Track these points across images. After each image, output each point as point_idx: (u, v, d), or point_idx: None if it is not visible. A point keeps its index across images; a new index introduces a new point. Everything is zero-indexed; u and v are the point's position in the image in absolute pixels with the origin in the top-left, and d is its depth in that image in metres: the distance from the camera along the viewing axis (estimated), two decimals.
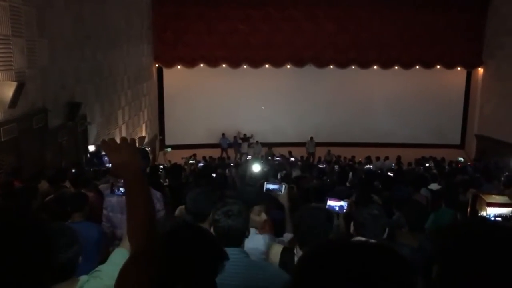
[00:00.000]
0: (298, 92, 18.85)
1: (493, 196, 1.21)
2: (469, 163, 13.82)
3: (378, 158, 15.87)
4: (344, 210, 3.60)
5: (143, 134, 14.59)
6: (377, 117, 19.07)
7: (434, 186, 6.89)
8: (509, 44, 16.22)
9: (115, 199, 3.60)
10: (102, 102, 10.46)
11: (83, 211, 3.95)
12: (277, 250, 2.71)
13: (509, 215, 1.17)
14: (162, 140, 18.24)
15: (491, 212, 1.21)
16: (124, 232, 3.44)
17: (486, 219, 1.11)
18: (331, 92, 18.97)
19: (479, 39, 17.84)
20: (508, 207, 1.17)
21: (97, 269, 2.08)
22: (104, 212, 3.73)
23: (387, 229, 2.51)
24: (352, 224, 2.60)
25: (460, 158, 14.21)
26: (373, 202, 2.62)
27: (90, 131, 9.69)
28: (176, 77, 18.03)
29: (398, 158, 15.34)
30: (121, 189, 3.22)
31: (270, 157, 15.03)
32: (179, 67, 17.49)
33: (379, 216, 2.51)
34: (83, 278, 2.00)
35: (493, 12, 17.41)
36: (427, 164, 12.93)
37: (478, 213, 1.21)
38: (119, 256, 2.17)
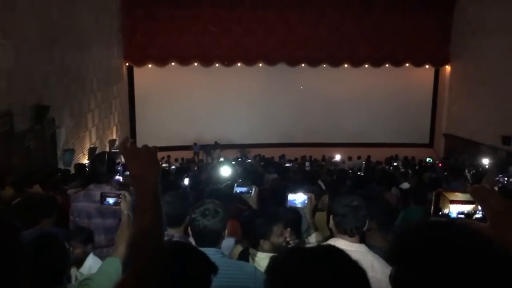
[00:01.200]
0: (270, 92, 18.97)
1: (456, 193, 1.24)
2: (437, 162, 14.10)
3: (350, 158, 16.07)
4: (305, 204, 3.51)
5: (114, 137, 14.38)
6: (349, 117, 19.26)
7: (404, 185, 7.02)
8: (474, 45, 16.65)
9: (82, 204, 3.53)
10: (71, 105, 10.26)
11: (53, 216, 3.85)
12: (236, 251, 2.82)
13: (471, 212, 1.20)
14: (134, 143, 17.95)
15: (454, 209, 1.23)
16: (106, 240, 3.39)
17: (439, 221, 1.13)
18: (303, 92, 19.13)
19: (447, 39, 18.29)
20: (470, 204, 1.20)
21: (87, 276, 2.04)
22: (71, 218, 3.65)
23: (367, 222, 2.47)
24: (331, 217, 2.52)
25: (429, 159, 14.49)
26: (352, 194, 2.56)
27: (58, 135, 9.49)
28: (147, 78, 17.84)
29: (368, 157, 15.54)
30: (110, 200, 3.14)
31: (240, 159, 14.96)
32: (150, 66, 17.35)
33: (359, 207, 2.47)
34: (73, 285, 1.96)
35: (458, 13, 17.86)
36: (395, 164, 13.14)
37: (441, 211, 1.23)
38: (111, 266, 2.13)
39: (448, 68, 18.63)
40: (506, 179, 5.10)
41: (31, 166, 7.75)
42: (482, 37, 16.01)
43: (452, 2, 17.87)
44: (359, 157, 15.97)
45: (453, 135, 18.05)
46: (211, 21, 17.12)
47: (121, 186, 5.14)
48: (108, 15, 14.18)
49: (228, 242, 2.88)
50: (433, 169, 10.54)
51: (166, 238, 2.94)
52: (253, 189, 3.85)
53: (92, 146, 11.41)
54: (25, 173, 6.56)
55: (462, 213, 1.27)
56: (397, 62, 18.39)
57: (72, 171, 8.04)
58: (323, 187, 6.48)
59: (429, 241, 0.99)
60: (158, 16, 16.70)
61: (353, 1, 17.41)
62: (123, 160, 2.29)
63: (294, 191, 3.57)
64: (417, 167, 12.40)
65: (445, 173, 7.99)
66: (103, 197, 3.09)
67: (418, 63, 18.56)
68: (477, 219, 1.23)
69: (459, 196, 1.30)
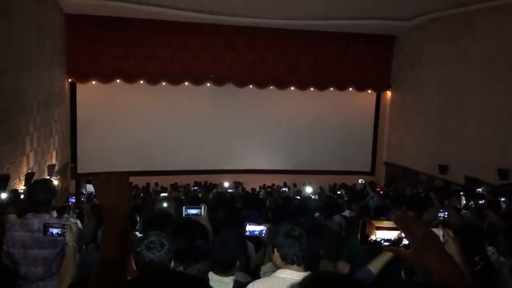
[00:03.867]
0: (218, 116, 19.00)
1: (382, 221, 1.31)
2: (378, 189, 14.53)
3: (295, 185, 16.25)
4: (263, 235, 3.64)
5: (53, 162, 13.79)
6: (294, 143, 19.61)
7: (347, 212, 7.15)
8: (411, 78, 17.60)
9: (18, 233, 3.32)
10: (8, 128, 9.75)
11: None
12: None
13: (396, 239, 1.27)
14: (74, 168, 17.37)
15: (380, 235, 1.29)
16: (43, 271, 3.19)
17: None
18: (250, 117, 19.30)
19: (387, 70, 19.20)
20: (395, 230, 1.26)
21: None
22: (4, 247, 3.42)
23: (318, 251, 2.50)
24: (275, 250, 2.53)
25: (361, 180, 14.83)
26: (292, 223, 2.58)
27: None
28: (91, 98, 17.44)
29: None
30: (54, 230, 2.97)
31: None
32: (94, 83, 17.03)
33: (302, 235, 2.49)
34: None
35: (398, 48, 18.84)
36: (338, 192, 13.40)
37: (368, 238, 1.29)
38: None
39: (388, 96, 19.46)
40: (446, 213, 5.24)
41: None
42: (420, 69, 16.94)
43: (392, 38, 18.83)
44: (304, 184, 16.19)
45: (394, 163, 18.75)
46: (158, 46, 17.04)
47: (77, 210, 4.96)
48: (50, 35, 13.76)
49: None
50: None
51: None
52: (202, 208, 3.95)
53: (29, 171, 10.86)
54: None
55: (388, 240, 1.33)
56: (341, 86, 19.04)
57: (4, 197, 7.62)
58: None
59: None
60: (102, 37, 16.43)
61: (297, 34, 17.93)
62: (88, 189, 2.19)
63: (252, 221, 3.71)
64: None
65: (385, 202, 8.21)
66: (46, 227, 2.95)
67: (361, 88, 19.29)
68: (404, 246, 1.29)
69: (385, 223, 1.36)
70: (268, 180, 16.92)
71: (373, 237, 1.34)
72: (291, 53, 18.22)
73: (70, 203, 7.08)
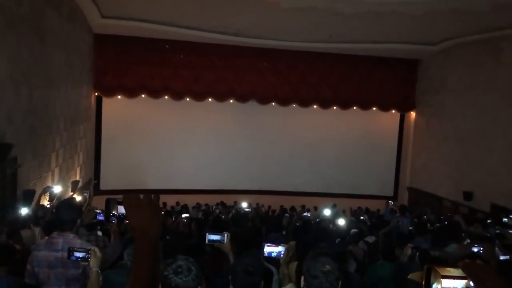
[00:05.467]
0: (239, 135, 19.12)
1: (447, 268, 1.24)
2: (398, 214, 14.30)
3: (315, 208, 16.08)
4: (282, 256, 3.61)
5: (77, 178, 13.99)
6: (316, 166, 19.47)
7: (370, 238, 7.03)
8: (435, 103, 17.40)
9: (43, 253, 3.35)
10: (35, 143, 9.96)
11: (7, 265, 3.65)
12: None
13: None
14: (97, 185, 17.57)
15: (446, 285, 1.22)
16: None
17: None
18: (270, 137, 19.31)
19: (412, 95, 19.01)
20: (461, 279, 1.19)
21: None
22: (28, 267, 3.45)
23: (340, 282, 2.48)
24: (302, 278, 2.55)
25: (391, 202, 14.63)
26: (324, 255, 2.55)
27: (20, 174, 9.15)
28: (115, 118, 17.70)
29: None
30: (79, 255, 2.99)
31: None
32: (119, 98, 17.34)
33: (331, 272, 2.48)
34: None
35: (422, 71, 18.71)
36: (362, 218, 13.21)
37: (432, 286, 1.23)
38: None
39: (412, 118, 19.24)
40: (480, 248, 4.98)
41: None
42: (444, 94, 16.76)
43: (416, 61, 18.73)
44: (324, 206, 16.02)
45: (417, 189, 18.43)
46: (183, 66, 17.33)
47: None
48: (79, 54, 14.11)
49: None
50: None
51: None
52: (225, 235, 3.78)
53: (28, 188, 10.96)
54: None
55: None
56: (364, 105, 18.92)
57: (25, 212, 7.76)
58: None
59: None
60: (129, 58, 16.79)
61: (320, 56, 18.00)
62: (119, 210, 2.19)
63: (270, 241, 3.69)
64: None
65: (410, 228, 8.06)
66: (71, 251, 2.97)
67: (384, 107, 19.16)
68: None
69: (451, 271, 1.29)
70: (286, 202, 16.73)
71: (438, 286, 1.28)
72: (314, 74, 18.27)
73: (98, 220, 7.14)
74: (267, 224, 8.21)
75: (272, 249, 3.62)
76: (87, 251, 2.97)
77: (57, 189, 10.83)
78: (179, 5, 13.63)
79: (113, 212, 2.25)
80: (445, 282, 1.27)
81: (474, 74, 15.16)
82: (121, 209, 2.17)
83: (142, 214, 1.32)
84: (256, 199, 17.12)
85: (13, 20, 8.46)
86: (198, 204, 15.74)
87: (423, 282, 1.28)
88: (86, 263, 2.96)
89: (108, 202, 2.25)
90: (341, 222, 9.17)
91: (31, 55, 9.54)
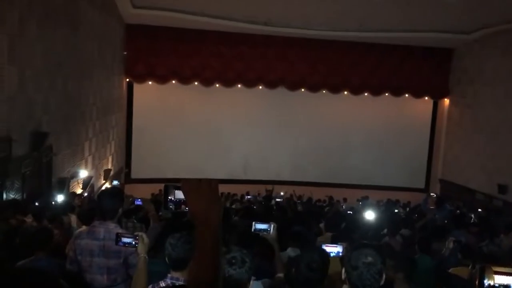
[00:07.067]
0: (268, 125, 19.01)
1: (502, 266, 1.22)
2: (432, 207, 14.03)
3: (345, 199, 15.96)
4: (340, 255, 3.56)
5: (109, 167, 14.23)
6: (347, 158, 19.23)
7: (405, 231, 6.90)
8: (470, 93, 16.92)
9: (85, 241, 3.39)
10: (69, 132, 10.15)
11: (47, 249, 3.72)
12: None
13: None
14: (128, 173, 17.83)
15: (499, 281, 1.18)
16: (108, 280, 3.24)
17: None
18: (302, 122, 19.16)
19: (445, 85, 18.53)
20: None
21: None
22: (71, 254, 3.50)
23: (384, 276, 2.35)
24: (343, 270, 2.44)
25: (433, 194, 14.34)
26: (368, 246, 2.43)
27: (54, 162, 9.34)
28: (146, 106, 17.89)
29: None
30: (127, 240, 3.01)
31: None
32: (150, 83, 17.50)
33: (373, 264, 2.36)
34: None
35: (456, 61, 18.21)
36: (396, 210, 13.01)
37: (484, 282, 1.19)
38: None
39: (446, 108, 18.78)
40: None
41: (26, 194, 7.59)
42: (479, 85, 16.28)
43: (450, 50, 18.23)
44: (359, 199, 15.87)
45: (449, 181, 18.05)
46: (213, 56, 17.34)
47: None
48: (111, 45, 14.28)
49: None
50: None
51: (169, 282, 2.83)
52: (272, 226, 3.70)
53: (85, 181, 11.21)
54: (11, 201, 6.42)
55: (506, 285, 1.23)
56: (397, 92, 18.58)
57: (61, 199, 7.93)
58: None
59: None
60: (160, 48, 16.91)
61: (351, 45, 17.70)
62: (177, 195, 2.18)
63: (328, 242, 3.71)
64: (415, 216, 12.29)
65: (445, 221, 7.88)
66: (119, 237, 2.99)
67: (417, 94, 18.75)
68: None
69: (505, 268, 1.26)
70: (316, 193, 16.58)
71: (490, 282, 1.25)
72: (344, 63, 17.99)
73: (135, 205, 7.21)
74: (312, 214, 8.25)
75: (330, 249, 3.59)
76: (134, 237, 2.99)
77: (89, 177, 11.04)
78: None
79: (171, 197, 2.23)
80: (498, 278, 1.24)
81: (511, 65, 14.66)
82: (178, 194, 2.15)
83: (202, 200, 1.27)
84: (285, 189, 17.05)
85: (49, 12, 8.58)
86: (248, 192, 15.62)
87: (477, 282, 1.24)
88: (134, 248, 2.98)
89: (166, 188, 2.24)
90: (370, 215, 8.94)
91: (65, 46, 9.68)
